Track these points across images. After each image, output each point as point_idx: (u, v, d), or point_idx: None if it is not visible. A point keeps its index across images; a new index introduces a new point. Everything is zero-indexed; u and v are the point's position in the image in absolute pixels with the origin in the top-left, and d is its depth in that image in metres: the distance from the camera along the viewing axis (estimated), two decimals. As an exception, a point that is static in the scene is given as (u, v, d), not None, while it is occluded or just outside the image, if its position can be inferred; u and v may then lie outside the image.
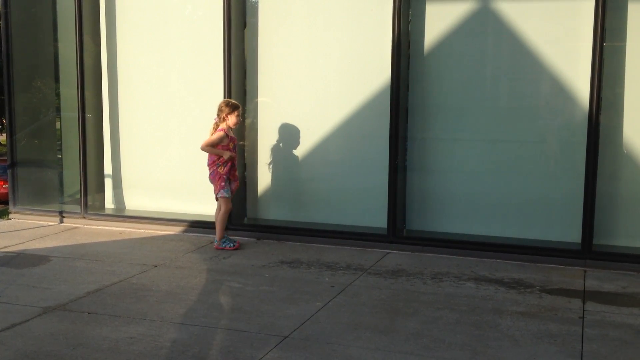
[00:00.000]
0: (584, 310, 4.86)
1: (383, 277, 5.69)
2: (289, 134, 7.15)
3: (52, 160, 8.47)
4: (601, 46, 5.90)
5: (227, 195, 6.51)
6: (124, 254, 6.41)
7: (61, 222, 7.83)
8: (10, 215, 8.09)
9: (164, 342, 4.18)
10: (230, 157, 6.42)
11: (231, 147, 6.46)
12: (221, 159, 6.42)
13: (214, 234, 6.68)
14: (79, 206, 7.78)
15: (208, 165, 6.54)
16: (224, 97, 6.95)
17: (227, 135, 6.43)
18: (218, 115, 6.48)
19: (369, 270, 5.89)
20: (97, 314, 4.71)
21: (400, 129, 6.58)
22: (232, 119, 6.42)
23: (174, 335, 4.31)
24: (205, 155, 6.53)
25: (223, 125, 6.44)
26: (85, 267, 5.93)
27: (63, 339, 4.23)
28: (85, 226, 7.67)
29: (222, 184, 6.48)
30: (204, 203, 7.16)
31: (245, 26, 7.25)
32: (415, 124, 6.73)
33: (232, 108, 6.43)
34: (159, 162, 7.72)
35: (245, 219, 7.39)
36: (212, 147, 6.39)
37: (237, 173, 6.65)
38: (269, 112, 7.24)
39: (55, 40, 8.27)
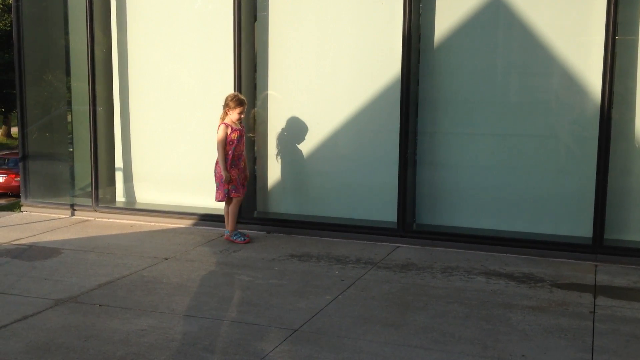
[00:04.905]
0: (594, 305, 4.84)
1: (393, 271, 5.69)
2: (299, 128, 7.15)
3: (64, 154, 8.51)
4: (613, 40, 5.86)
5: (227, 193, 6.54)
6: (134, 246, 6.45)
7: (72, 215, 7.88)
8: (22, 208, 8.15)
9: (175, 335, 4.21)
10: (228, 180, 6.43)
11: (234, 137, 6.45)
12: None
13: (224, 227, 6.70)
14: (90, 199, 7.83)
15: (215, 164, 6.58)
16: (234, 91, 6.95)
17: (228, 127, 6.44)
18: (223, 107, 6.50)
19: (378, 264, 5.89)
20: (108, 306, 4.74)
21: (410, 123, 6.56)
22: (233, 115, 6.44)
23: (184, 328, 4.33)
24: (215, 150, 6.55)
25: (227, 120, 6.46)
26: (96, 260, 5.97)
27: (74, 331, 4.26)
28: (97, 219, 7.72)
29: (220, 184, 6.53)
30: (214, 196, 7.17)
31: (255, 20, 7.25)
32: (426, 119, 6.71)
33: (236, 103, 6.43)
34: (169, 155, 7.75)
35: (255, 212, 7.40)
36: (223, 149, 6.40)
37: (244, 169, 6.65)
38: (279, 106, 7.24)
39: (66, 33, 8.31)
